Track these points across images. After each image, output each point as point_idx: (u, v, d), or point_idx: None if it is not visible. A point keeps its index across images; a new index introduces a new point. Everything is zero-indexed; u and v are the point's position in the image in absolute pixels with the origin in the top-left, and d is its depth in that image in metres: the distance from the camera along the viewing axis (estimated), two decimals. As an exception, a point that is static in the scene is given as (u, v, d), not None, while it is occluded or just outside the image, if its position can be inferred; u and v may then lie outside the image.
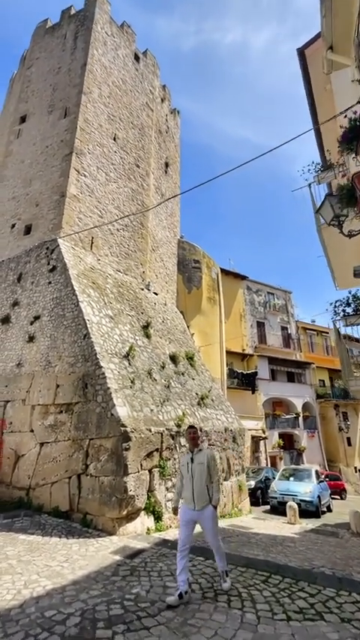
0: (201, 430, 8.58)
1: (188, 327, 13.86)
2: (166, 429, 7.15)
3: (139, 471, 6.10)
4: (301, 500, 10.50)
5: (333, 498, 13.84)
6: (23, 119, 12.89)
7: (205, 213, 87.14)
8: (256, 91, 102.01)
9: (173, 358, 9.95)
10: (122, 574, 3.96)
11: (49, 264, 9.01)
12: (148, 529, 6.01)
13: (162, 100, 16.16)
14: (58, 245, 9.06)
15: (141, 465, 6.21)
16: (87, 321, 7.48)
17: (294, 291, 32.33)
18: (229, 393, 16.50)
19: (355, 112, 4.24)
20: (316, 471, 13.03)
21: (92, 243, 10.26)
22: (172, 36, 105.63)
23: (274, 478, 13.15)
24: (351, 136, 4.17)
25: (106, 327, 8.02)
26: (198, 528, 3.76)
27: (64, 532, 5.43)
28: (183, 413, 8.26)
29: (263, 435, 19.38)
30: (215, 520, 3.59)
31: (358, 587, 3.79)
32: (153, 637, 2.71)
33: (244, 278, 24.69)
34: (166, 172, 15.28)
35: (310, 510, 10.59)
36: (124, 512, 5.65)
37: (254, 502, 11.55)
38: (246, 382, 20.21)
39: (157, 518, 6.27)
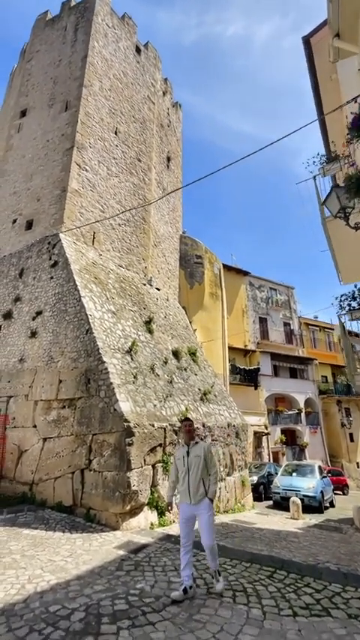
0: (204, 425, 8.55)
1: (190, 322, 13.80)
2: (169, 424, 7.12)
3: (142, 466, 6.08)
4: (304, 496, 10.49)
5: (335, 494, 13.84)
6: (24, 113, 12.77)
7: (206, 209, 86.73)
8: (259, 85, 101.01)
9: (176, 354, 9.91)
10: (126, 569, 3.95)
11: (50, 259, 8.96)
12: (152, 524, 6.00)
13: (163, 94, 15.98)
14: (60, 240, 9.00)
15: (144, 460, 6.18)
16: (89, 317, 7.44)
17: (296, 287, 32.18)
18: (231, 389, 16.48)
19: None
20: (319, 467, 13.02)
21: (94, 238, 10.19)
22: (174, 29, 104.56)
23: (276, 474, 13.15)
24: (362, 122, 4.06)
25: (108, 322, 7.98)
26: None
27: (67, 527, 5.42)
28: (186, 408, 8.23)
29: (266, 431, 19.37)
30: (211, 513, 3.44)
31: (364, 582, 3.75)
32: (158, 632, 2.69)
33: (246, 274, 24.57)
34: (167, 167, 15.14)
35: (313, 506, 10.58)
36: (128, 508, 5.63)
37: (257, 497, 11.57)
38: (248, 378, 20.18)
39: (161, 513, 6.26)
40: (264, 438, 19.31)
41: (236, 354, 20.72)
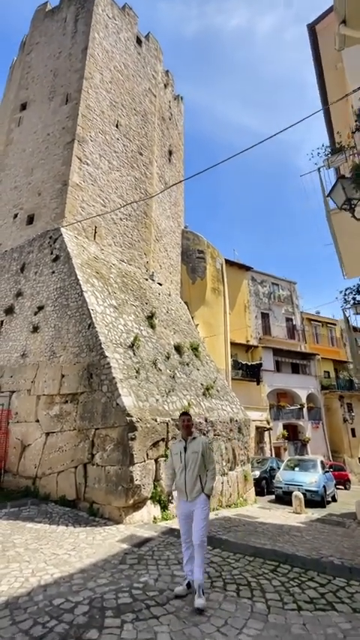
0: (206, 420, 8.54)
1: (192, 317, 13.75)
2: (172, 419, 7.10)
3: (145, 461, 6.07)
4: (306, 490, 10.50)
5: (337, 488, 13.87)
6: (24, 106, 12.65)
7: (208, 204, 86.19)
8: (261, 78, 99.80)
9: (178, 349, 9.88)
10: (130, 562, 3.94)
11: (52, 253, 8.91)
12: (155, 518, 6.01)
13: (165, 86, 15.79)
14: (61, 234, 8.94)
15: (147, 455, 6.18)
16: (91, 311, 7.40)
17: (298, 282, 31.99)
18: (233, 384, 16.46)
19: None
20: (322, 462, 13.03)
21: (95, 232, 10.13)
22: (175, 20, 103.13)
23: (278, 468, 13.18)
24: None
25: (110, 317, 7.94)
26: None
27: (70, 521, 5.44)
28: (188, 403, 8.22)
29: (268, 426, 19.39)
30: (206, 509, 3.27)
31: (369, 576, 3.74)
32: (162, 626, 2.68)
33: (248, 269, 24.44)
34: (169, 160, 14.99)
35: (315, 500, 10.60)
36: (131, 502, 5.64)
37: (259, 492, 11.58)
38: (250, 373, 20.16)
39: (164, 507, 6.27)
40: (266, 433, 19.33)
41: (238, 349, 20.68)
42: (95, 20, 11.77)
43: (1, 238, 11.06)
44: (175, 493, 3.58)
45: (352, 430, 24.17)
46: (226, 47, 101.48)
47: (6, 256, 10.45)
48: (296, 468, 12.17)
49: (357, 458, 23.08)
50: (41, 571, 3.65)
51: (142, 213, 12.26)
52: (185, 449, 3.42)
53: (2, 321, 9.28)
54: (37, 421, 7.30)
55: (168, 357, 8.99)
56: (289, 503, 9.65)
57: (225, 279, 17.72)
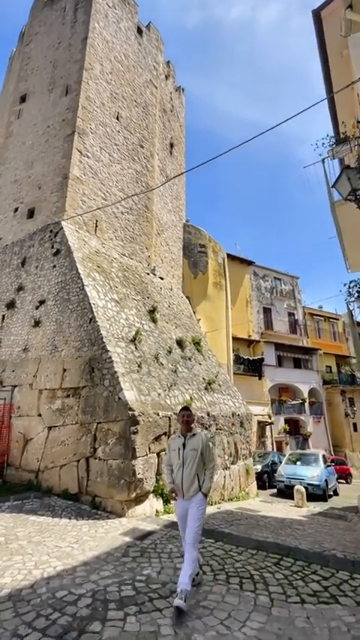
0: (208, 415, 8.53)
1: (194, 312, 13.70)
2: (174, 413, 7.09)
3: (147, 454, 6.07)
4: (308, 484, 10.53)
5: (339, 482, 13.90)
6: (23, 99, 12.50)
7: (208, 197, 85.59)
8: (262, 69, 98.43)
9: (180, 343, 9.85)
10: (132, 555, 3.95)
11: (53, 247, 8.85)
12: (157, 511, 6.02)
13: (166, 77, 15.56)
14: (62, 228, 8.87)
15: (149, 449, 6.18)
16: (92, 305, 7.36)
17: (300, 276, 31.76)
18: (235, 379, 16.44)
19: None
20: (323, 456, 13.04)
21: (96, 226, 10.05)
22: (176, 10, 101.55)
23: (280, 462, 13.21)
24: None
25: (111, 311, 7.90)
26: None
27: (73, 514, 5.45)
28: (190, 397, 8.20)
29: (269, 421, 19.41)
30: (202, 508, 3.12)
31: (372, 570, 3.73)
32: (166, 619, 2.67)
33: (250, 263, 24.30)
34: (171, 153, 14.83)
35: (317, 494, 10.62)
36: (133, 495, 5.65)
37: (261, 486, 11.62)
38: (252, 368, 20.13)
39: (166, 500, 6.28)
40: (267, 427, 19.36)
41: (240, 344, 20.64)
42: (95, 9, 11.56)
43: (1, 232, 11.00)
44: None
45: (354, 425, 24.20)
46: (227, 37, 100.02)
47: (7, 250, 10.40)
48: (298, 462, 12.19)
49: (359, 452, 23.13)
50: (44, 564, 3.65)
51: (144, 206, 12.15)
52: (184, 445, 3.27)
53: (4, 316, 9.26)
54: (40, 415, 7.31)
55: (170, 352, 8.96)
56: (290, 496, 9.68)
57: (227, 274, 17.61)
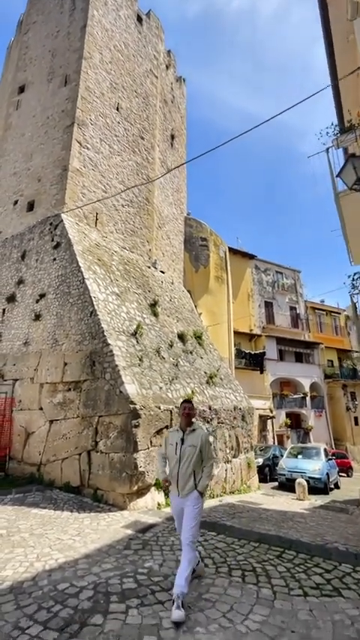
0: (210, 408, 8.51)
1: (196, 306, 13.63)
2: (176, 406, 7.06)
3: (149, 448, 6.06)
4: (309, 477, 10.55)
5: (340, 476, 13.94)
6: (22, 89, 12.31)
7: (209, 190, 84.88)
8: (263, 61, 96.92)
9: (181, 337, 9.80)
10: (134, 548, 3.94)
11: (53, 240, 8.77)
12: (159, 504, 6.03)
13: (167, 67, 15.29)
14: (62, 221, 8.78)
15: (151, 442, 6.16)
16: (93, 299, 7.30)
17: (302, 270, 31.49)
18: (237, 373, 16.41)
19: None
20: (325, 449, 13.06)
21: (97, 219, 9.94)
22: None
23: (281, 456, 13.24)
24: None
25: (112, 304, 7.84)
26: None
27: (75, 506, 5.46)
28: (192, 391, 8.18)
29: (271, 415, 19.45)
30: (198, 507, 2.98)
31: (375, 563, 3.71)
32: (168, 612, 2.65)
33: (252, 257, 24.13)
34: (171, 145, 14.63)
35: (318, 487, 10.65)
36: (135, 488, 5.65)
37: (262, 479, 11.66)
38: (254, 362, 20.10)
39: (168, 493, 6.28)
40: (269, 421, 19.40)
41: (241, 338, 20.59)
42: (94, -4, 11.30)
43: (1, 226, 10.92)
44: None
45: (355, 419, 24.23)
46: (228, 27, 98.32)
47: (6, 244, 10.32)
48: (299, 456, 12.22)
49: (359, 446, 23.19)
50: (46, 556, 3.65)
51: (144, 199, 12.02)
52: (183, 440, 3.11)
53: (4, 310, 9.22)
54: (41, 409, 7.30)
55: (171, 346, 8.92)
56: (291, 490, 9.70)
57: (228, 268, 17.49)
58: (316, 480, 10.77)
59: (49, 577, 3.20)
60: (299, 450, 12.99)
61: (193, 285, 14.86)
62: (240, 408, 10.04)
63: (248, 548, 4.03)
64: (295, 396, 21.66)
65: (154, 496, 6.06)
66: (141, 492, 5.82)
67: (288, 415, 20.82)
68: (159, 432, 6.43)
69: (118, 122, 11.46)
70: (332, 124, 6.01)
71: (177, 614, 2.54)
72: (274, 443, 18.41)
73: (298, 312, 25.79)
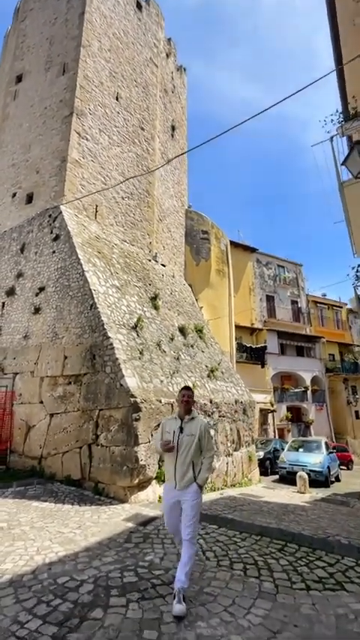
0: (211, 402, 8.48)
1: (197, 300, 13.54)
2: (177, 400, 7.03)
3: (149, 441, 6.02)
4: (310, 471, 10.56)
5: (341, 469, 13.97)
6: (19, 79, 12.08)
7: (211, 184, 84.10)
8: (265, 50, 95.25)
9: (182, 330, 9.73)
10: (135, 541, 3.92)
11: (52, 232, 8.66)
12: (160, 497, 6.00)
13: (167, 56, 14.98)
14: (61, 213, 8.66)
15: (151, 435, 6.12)
16: (93, 291, 7.22)
17: (304, 264, 31.24)
18: (238, 366, 16.37)
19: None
20: (326, 443, 13.07)
21: (96, 211, 9.81)
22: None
23: (282, 449, 13.26)
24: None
25: (112, 297, 7.76)
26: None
27: (76, 500, 5.45)
28: (193, 384, 8.13)
29: (272, 408, 19.45)
30: (197, 501, 2.83)
31: (378, 556, 3.68)
32: (169, 606, 2.62)
33: (253, 250, 23.94)
34: (172, 136, 14.40)
35: (319, 480, 10.67)
36: (136, 481, 5.63)
37: (263, 472, 11.69)
38: (255, 356, 20.06)
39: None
40: (270, 415, 19.42)
41: (243, 332, 20.51)
42: (92, -18, 11.02)
43: (0, 218, 10.80)
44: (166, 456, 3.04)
45: (356, 412, 24.26)
46: (229, 16, 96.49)
47: (5, 236, 10.21)
48: (300, 449, 12.23)
49: (360, 439, 23.25)
50: (46, 549, 3.63)
51: (145, 191, 11.86)
52: (181, 429, 2.95)
53: (4, 303, 9.15)
54: (41, 402, 7.27)
55: (172, 339, 8.86)
56: (292, 483, 9.71)
57: (230, 261, 17.34)
58: (317, 472, 10.78)
59: (49, 570, 3.18)
60: (300, 443, 13.00)
61: (194, 279, 14.75)
62: (241, 402, 10.01)
63: (250, 542, 4.01)
64: (296, 390, 21.66)
65: (155, 489, 6.04)
66: (142, 485, 5.80)
67: (289, 409, 20.84)
68: (160, 425, 6.39)
69: (118, 112, 11.25)
70: (337, 111, 5.86)
71: (178, 608, 2.51)
72: (275, 436, 18.45)
73: (299, 305, 25.67)
